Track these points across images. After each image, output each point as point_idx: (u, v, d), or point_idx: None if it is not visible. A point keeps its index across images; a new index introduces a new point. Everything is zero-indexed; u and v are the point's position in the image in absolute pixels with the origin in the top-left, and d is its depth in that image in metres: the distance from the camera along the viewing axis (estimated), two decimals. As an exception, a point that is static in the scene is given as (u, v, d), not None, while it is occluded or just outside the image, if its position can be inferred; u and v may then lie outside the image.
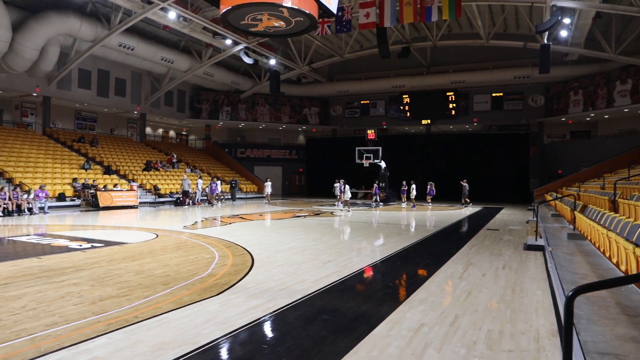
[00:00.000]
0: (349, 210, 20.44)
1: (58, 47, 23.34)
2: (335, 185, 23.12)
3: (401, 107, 35.38)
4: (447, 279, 6.99)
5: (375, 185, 26.98)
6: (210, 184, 24.30)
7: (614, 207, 10.16)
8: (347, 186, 21.29)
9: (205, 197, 24.90)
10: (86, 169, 23.06)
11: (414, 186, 24.23)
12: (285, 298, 5.62)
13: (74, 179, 21.35)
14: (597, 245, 7.60)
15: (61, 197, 19.95)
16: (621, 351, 3.10)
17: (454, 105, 33.85)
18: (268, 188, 26.24)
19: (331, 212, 20.11)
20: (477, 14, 23.61)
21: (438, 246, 10.89)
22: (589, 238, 8.51)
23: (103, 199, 19.98)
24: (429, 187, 25.36)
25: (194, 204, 24.21)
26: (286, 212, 19.60)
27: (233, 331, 4.42)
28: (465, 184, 25.10)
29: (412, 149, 33.56)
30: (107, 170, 24.19)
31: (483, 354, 3.95)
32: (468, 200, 25.15)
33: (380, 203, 26.52)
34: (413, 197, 24.17)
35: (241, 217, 17.10)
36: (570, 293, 2.05)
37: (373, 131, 28.78)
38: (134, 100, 30.47)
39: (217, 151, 37.10)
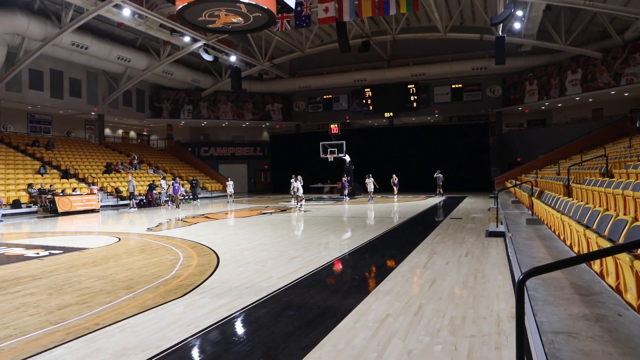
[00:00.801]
0: (298, 206, 19.83)
1: (5, 46, 22.28)
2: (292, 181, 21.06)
3: (363, 101, 35.69)
4: (412, 268, 7.11)
5: (344, 179, 27.10)
6: (173, 184, 23.47)
7: (568, 192, 10.58)
8: (296, 182, 20.33)
9: (169, 198, 24.40)
10: (42, 174, 22.17)
11: (371, 179, 24.34)
12: (251, 296, 5.59)
13: (30, 185, 20.48)
14: (553, 229, 7.89)
15: (16, 204, 19.12)
16: (574, 329, 3.24)
17: (415, 97, 34.41)
18: (230, 187, 25.70)
19: (298, 208, 20.09)
20: (434, 7, 24.01)
21: (403, 237, 11.07)
22: (545, 222, 8.83)
23: (62, 204, 19.26)
24: (394, 178, 25.75)
25: (158, 205, 23.72)
26: (252, 210, 19.47)
27: (198, 332, 4.36)
28: (440, 175, 25.62)
29: (376, 142, 33.95)
30: (65, 174, 23.34)
31: (446, 340, 4.05)
32: (441, 192, 25.64)
33: (347, 197, 26.67)
34: (371, 191, 24.27)
35: (206, 217, 16.87)
36: (521, 276, 2.12)
37: (336, 125, 28.92)
38: (90, 101, 29.45)
39: (180, 150, 36.41)
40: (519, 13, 22.09)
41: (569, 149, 25.91)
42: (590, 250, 4.92)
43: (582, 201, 7.86)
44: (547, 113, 33.02)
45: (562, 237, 6.90)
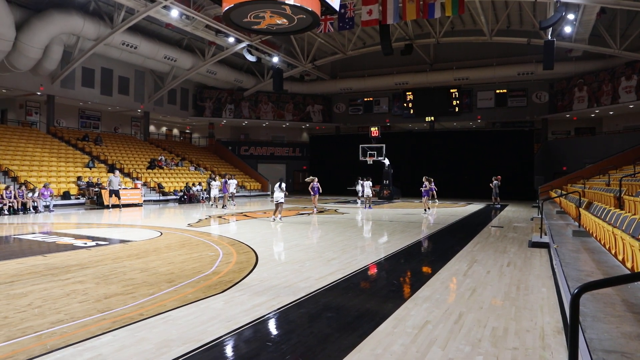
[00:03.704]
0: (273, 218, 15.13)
1: (61, 45, 23.40)
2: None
3: (404, 104, 35.35)
4: (451, 276, 6.97)
5: (360, 181, 23.38)
6: (223, 183, 21.25)
7: (620, 204, 10.11)
8: (280, 185, 15.19)
9: (208, 196, 24.89)
10: (90, 168, 23.14)
11: (369, 183, 21.19)
12: (289, 295, 5.62)
13: (79, 178, 21.42)
14: (602, 242, 7.56)
15: (66, 195, 20.03)
16: (628, 349, 3.08)
17: (458, 102, 33.79)
18: (214, 189, 21.37)
19: (335, 210, 20.11)
20: (480, 11, 23.49)
21: (442, 243, 10.87)
22: (594, 235, 8.47)
23: (107, 197, 20.02)
24: (429, 184, 20.92)
25: (198, 201, 24.28)
26: (290, 210, 19.61)
27: (237, 329, 4.43)
28: (496, 182, 22.61)
29: (416, 146, 33.52)
30: (112, 169, 24.25)
31: (488, 351, 3.94)
32: (498, 199, 22.74)
33: (362, 202, 24.16)
34: (368, 196, 21.15)
35: (245, 215, 17.13)
36: (576, 290, 2.04)
37: (376, 128, 28.73)
38: (137, 98, 30.53)
39: (220, 149, 37.16)
40: (571, 16, 21.29)
41: (621, 159, 24.73)
42: (645, 266, 4.68)
43: (635, 214, 7.48)
44: (597, 121, 31.67)
45: (612, 251, 6.60)
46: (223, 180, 21.35)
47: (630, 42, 23.62)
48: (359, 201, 23.44)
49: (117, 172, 20.36)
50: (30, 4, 21.90)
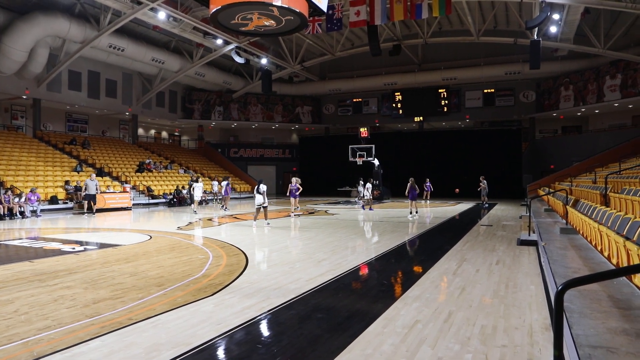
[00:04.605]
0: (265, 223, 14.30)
1: (47, 48, 23.13)
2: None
3: (393, 105, 35.48)
4: (441, 275, 7.02)
5: (362, 182, 22.95)
6: (225, 185, 20.93)
7: (605, 201, 10.25)
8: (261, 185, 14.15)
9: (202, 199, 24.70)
10: (78, 172, 22.89)
11: (369, 185, 21.21)
12: (279, 297, 5.62)
13: (66, 182, 21.18)
14: (589, 239, 7.65)
15: (53, 200, 19.79)
16: (613, 344, 3.13)
17: (446, 102, 34.01)
18: (198, 190, 19.55)
19: (325, 211, 20.11)
20: (467, 11, 23.67)
21: (432, 243, 10.93)
22: (581, 232, 8.58)
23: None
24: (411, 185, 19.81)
25: (188, 204, 24.12)
26: (280, 212, 19.59)
27: (228, 331, 4.42)
28: (483, 181, 22.52)
29: (405, 146, 33.66)
30: (100, 173, 24.02)
31: (477, 349, 3.97)
32: (486, 199, 22.63)
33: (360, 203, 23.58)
34: (369, 198, 21.09)
35: (235, 217, 17.07)
36: (560, 287, 2.07)
37: (366, 129, 28.80)
38: (125, 101, 30.28)
39: (210, 151, 36.99)
40: (556, 16, 21.53)
41: (606, 157, 25.08)
42: (631, 262, 4.75)
43: (620, 211, 7.59)
44: (583, 119, 32.07)
45: (599, 248, 6.68)
46: (225, 182, 21.06)
47: (614, 41, 23.94)
48: (358, 201, 23.32)
49: (93, 175, 19.30)
50: (15, 7, 21.62)
